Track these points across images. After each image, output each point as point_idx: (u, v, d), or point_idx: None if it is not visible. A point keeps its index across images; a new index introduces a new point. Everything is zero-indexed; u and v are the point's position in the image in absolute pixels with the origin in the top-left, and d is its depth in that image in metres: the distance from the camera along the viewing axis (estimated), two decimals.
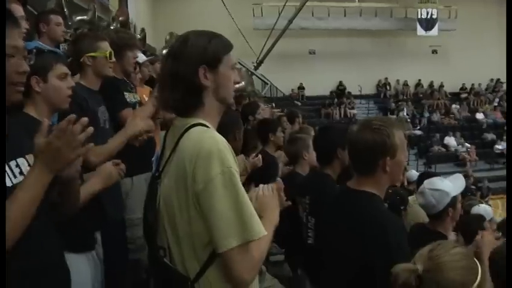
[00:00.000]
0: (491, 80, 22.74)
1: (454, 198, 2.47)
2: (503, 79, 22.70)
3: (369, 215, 1.77)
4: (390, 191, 4.48)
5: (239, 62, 16.17)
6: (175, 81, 1.47)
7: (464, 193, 11.26)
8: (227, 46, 1.57)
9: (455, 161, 17.03)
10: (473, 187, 13.86)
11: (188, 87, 1.47)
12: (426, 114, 19.51)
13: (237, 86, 1.65)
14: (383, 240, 1.66)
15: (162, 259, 1.49)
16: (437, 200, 2.43)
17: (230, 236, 1.36)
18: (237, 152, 1.59)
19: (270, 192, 1.64)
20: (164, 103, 1.57)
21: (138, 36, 7.01)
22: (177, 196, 1.44)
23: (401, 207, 4.04)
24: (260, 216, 1.48)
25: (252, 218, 1.40)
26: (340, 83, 20.12)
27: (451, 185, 2.49)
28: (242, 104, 5.59)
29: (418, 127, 18.65)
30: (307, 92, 19.68)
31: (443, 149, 17.43)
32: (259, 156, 2.94)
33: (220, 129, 1.53)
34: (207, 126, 1.48)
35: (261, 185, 1.69)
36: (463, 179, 2.66)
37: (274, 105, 10.97)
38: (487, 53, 21.48)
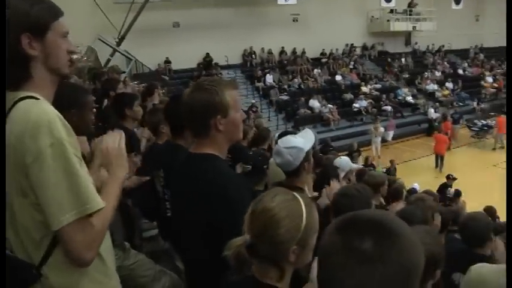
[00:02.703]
0: (346, 45, 25.29)
1: (307, 152, 2.52)
2: (356, 43, 25.42)
3: (210, 177, 1.76)
4: (251, 152, 4.98)
5: (99, 39, 15.74)
6: None
7: (326, 149, 12.66)
8: (55, 11, 1.46)
9: (320, 121, 18.69)
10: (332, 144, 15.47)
11: (12, 58, 1.37)
12: (291, 80, 21.01)
13: (73, 56, 1.55)
14: (225, 199, 1.67)
15: (4, 250, 1.42)
16: (294, 157, 2.46)
17: (64, 212, 1.30)
18: (77, 133, 1.50)
19: (114, 144, 1.60)
20: None
21: None
22: (13, 179, 1.36)
23: (265, 167, 4.13)
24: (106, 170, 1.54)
25: (88, 190, 1.35)
26: (207, 55, 20.57)
27: (303, 140, 2.54)
28: (101, 81, 5.58)
29: (285, 93, 20.04)
30: (175, 66, 19.76)
31: (309, 111, 18.93)
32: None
33: (54, 106, 1.45)
34: (38, 99, 1.40)
35: (104, 136, 1.64)
36: (312, 132, 2.73)
37: (140, 81, 10.95)
38: (342, 20, 23.83)
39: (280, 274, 1.39)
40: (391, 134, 18.17)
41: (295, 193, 1.44)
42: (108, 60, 15.57)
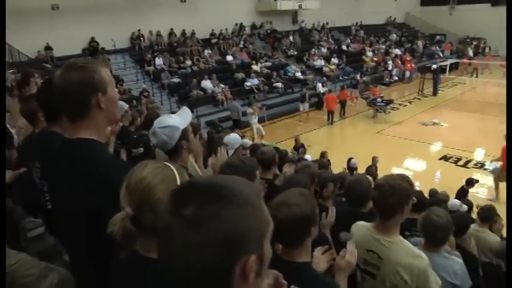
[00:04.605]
0: (236, 24, 25.92)
1: (185, 130, 2.50)
2: (245, 23, 26.15)
3: (89, 161, 1.73)
4: (135, 136, 5.14)
5: None
6: None
7: (215, 129, 13.12)
8: None
9: (213, 102, 19.08)
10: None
11: None
12: (182, 62, 21.11)
13: None
14: (106, 182, 1.64)
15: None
16: (169, 136, 2.44)
17: None
18: None
19: None
20: None
21: None
22: None
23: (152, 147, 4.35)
24: None
25: None
26: (92, 39, 19.87)
27: (179, 119, 2.52)
28: None
29: (177, 75, 20.09)
30: (57, 53, 18.54)
31: (202, 93, 19.20)
32: None
33: None
34: None
35: None
36: (189, 110, 2.72)
37: (15, 70, 10.44)
38: (230, 0, 24.33)
39: None
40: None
41: (164, 162, 1.52)
42: None
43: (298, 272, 1.81)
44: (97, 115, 1.79)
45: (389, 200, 2.45)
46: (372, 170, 10.86)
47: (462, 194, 9.23)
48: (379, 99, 19.78)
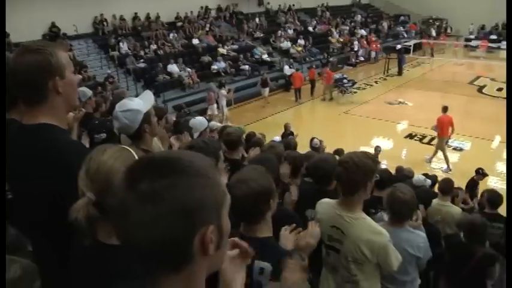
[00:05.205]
0: (201, 7, 25.57)
1: (147, 113, 2.48)
2: (210, 6, 25.85)
3: (47, 147, 1.68)
4: (97, 121, 5.03)
5: None
6: None
7: (182, 113, 13.03)
8: None
9: (180, 86, 18.86)
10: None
11: None
12: (147, 47, 20.72)
13: None
14: (67, 168, 1.56)
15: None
16: (131, 120, 2.42)
17: None
18: None
19: None
20: None
21: None
22: None
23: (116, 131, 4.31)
24: None
25: None
26: (53, 24, 19.14)
27: (141, 102, 2.50)
28: None
29: (142, 60, 19.71)
30: (14, 38, 17.59)
31: (168, 77, 18.95)
32: None
33: None
34: None
35: None
36: (151, 94, 2.71)
37: None
38: None
39: None
40: (214, 107, 16.86)
41: (122, 146, 1.51)
42: None
43: (261, 247, 1.82)
44: (55, 100, 1.73)
45: (352, 177, 2.51)
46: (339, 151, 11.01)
47: (472, 184, 9.30)
48: (345, 80, 19.91)
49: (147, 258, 0.88)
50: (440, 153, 12.52)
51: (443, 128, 12.22)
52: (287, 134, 12.38)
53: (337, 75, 20.18)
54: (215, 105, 16.80)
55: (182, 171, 0.87)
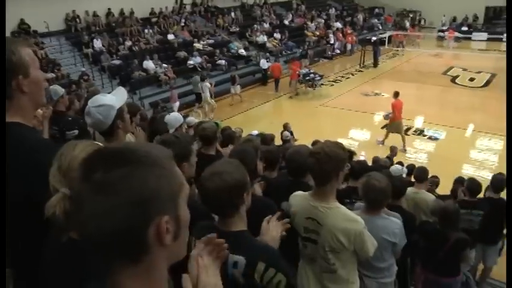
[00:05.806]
0: (176, 2, 25.34)
1: (120, 109, 2.45)
2: (186, 1, 25.64)
3: (17, 148, 1.65)
4: (70, 118, 4.94)
5: None
6: None
7: (158, 110, 12.98)
8: None
9: (156, 82, 18.67)
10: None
11: None
12: (121, 43, 20.43)
13: None
14: (37, 167, 1.56)
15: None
16: (104, 116, 2.38)
17: None
18: None
19: None
20: None
21: None
22: None
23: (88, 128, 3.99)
24: None
25: None
26: (22, 21, 18.61)
27: (114, 98, 2.47)
28: None
29: (117, 56, 19.43)
30: None
31: (144, 74, 18.71)
32: None
33: None
34: None
35: None
36: (124, 90, 2.68)
37: None
38: None
39: None
40: (176, 105, 16.67)
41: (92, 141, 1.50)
42: None
43: (236, 240, 1.82)
44: (20, 99, 1.69)
45: (324, 167, 2.53)
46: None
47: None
48: (312, 75, 19.79)
49: (103, 249, 0.87)
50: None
51: (398, 112, 12.91)
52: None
53: (303, 71, 19.95)
54: (177, 103, 16.74)
55: (138, 162, 0.86)
